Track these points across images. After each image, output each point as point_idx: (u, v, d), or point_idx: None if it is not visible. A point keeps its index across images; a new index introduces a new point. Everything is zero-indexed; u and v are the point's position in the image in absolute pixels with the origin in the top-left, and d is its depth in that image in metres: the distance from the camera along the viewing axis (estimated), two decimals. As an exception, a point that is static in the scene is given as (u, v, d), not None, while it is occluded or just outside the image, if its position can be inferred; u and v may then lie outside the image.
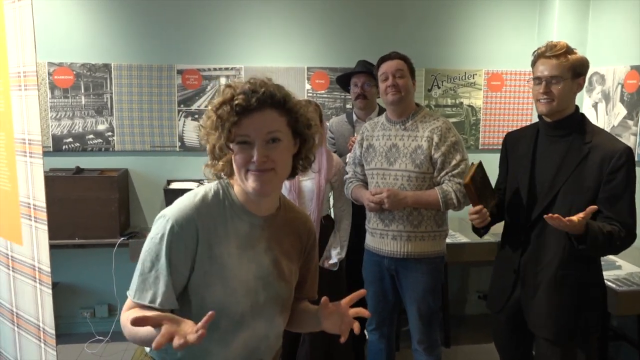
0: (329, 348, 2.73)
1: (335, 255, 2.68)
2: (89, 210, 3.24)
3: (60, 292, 3.59)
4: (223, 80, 3.63)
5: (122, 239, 3.30)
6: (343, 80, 3.14)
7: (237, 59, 3.63)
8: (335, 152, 2.99)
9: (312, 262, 1.40)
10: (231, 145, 1.15)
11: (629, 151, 1.83)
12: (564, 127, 1.93)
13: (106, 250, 3.39)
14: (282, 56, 3.65)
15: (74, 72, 3.51)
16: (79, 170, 3.44)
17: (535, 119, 3.78)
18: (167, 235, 1.15)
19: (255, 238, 1.23)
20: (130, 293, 1.19)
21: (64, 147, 3.55)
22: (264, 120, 1.13)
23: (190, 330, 0.96)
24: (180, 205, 1.18)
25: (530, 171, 1.97)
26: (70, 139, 3.55)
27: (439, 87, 3.80)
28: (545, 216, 1.74)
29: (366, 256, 2.57)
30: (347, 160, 2.71)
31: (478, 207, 1.98)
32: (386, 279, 2.48)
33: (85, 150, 3.58)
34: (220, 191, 1.22)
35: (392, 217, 2.37)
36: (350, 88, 3.09)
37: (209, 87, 3.62)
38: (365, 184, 2.56)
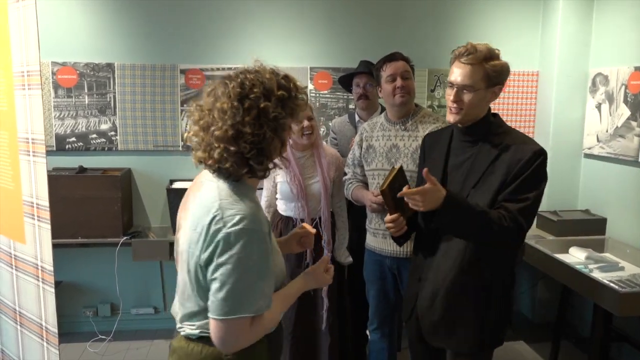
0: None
1: (346, 256, 2.69)
2: (92, 210, 3.25)
3: (63, 291, 3.60)
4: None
5: (125, 238, 3.31)
6: (345, 81, 3.14)
7: (240, 58, 3.63)
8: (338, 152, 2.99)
9: None
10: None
11: (539, 153, 1.71)
12: (474, 132, 1.82)
13: (109, 249, 3.40)
14: (285, 56, 3.66)
15: (78, 72, 3.52)
16: (82, 170, 3.45)
17: (539, 121, 3.79)
18: (263, 242, 1.27)
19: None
20: (245, 307, 1.25)
21: (67, 146, 3.57)
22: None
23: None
24: (250, 210, 1.27)
25: (442, 177, 1.86)
26: (73, 139, 3.57)
27: (442, 88, 3.80)
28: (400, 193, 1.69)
29: (367, 256, 2.57)
30: (347, 161, 2.71)
31: (394, 216, 1.84)
32: (388, 278, 2.49)
33: (89, 150, 3.59)
34: (233, 184, 1.33)
35: (395, 218, 2.37)
36: (352, 88, 3.09)
37: (211, 87, 3.62)
38: (365, 184, 2.56)
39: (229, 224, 1.23)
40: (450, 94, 1.78)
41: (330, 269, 1.55)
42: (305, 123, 2.56)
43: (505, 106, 3.84)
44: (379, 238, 2.46)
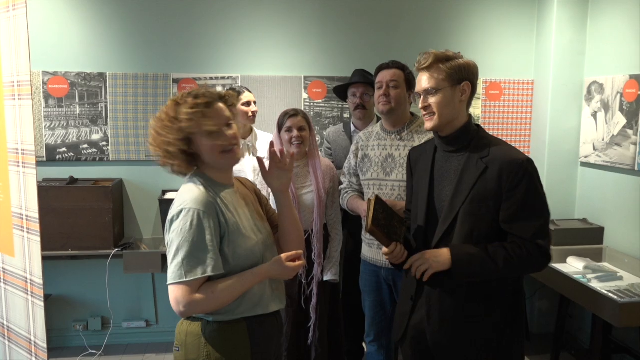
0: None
1: (332, 274, 2.66)
2: (83, 221, 3.24)
3: (53, 304, 3.57)
4: (219, 90, 3.62)
5: (116, 250, 3.29)
6: (340, 91, 3.15)
7: (234, 67, 3.65)
8: (332, 162, 3.00)
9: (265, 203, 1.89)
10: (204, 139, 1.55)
11: (527, 163, 1.70)
12: (456, 141, 1.80)
13: (100, 261, 3.38)
14: (279, 65, 3.67)
15: (69, 82, 3.52)
16: (72, 181, 3.44)
17: (535, 130, 3.82)
18: (200, 218, 1.49)
19: (236, 200, 1.64)
20: (184, 274, 1.47)
21: (57, 157, 3.55)
22: (223, 111, 1.59)
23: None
24: (192, 196, 1.52)
25: (428, 192, 1.84)
26: (64, 149, 3.56)
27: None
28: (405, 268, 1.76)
29: (363, 267, 2.57)
30: (343, 170, 2.71)
31: (391, 248, 1.81)
32: (384, 289, 2.48)
33: (80, 160, 3.58)
34: (199, 179, 1.59)
35: (390, 228, 2.37)
36: (347, 98, 3.10)
37: (205, 97, 3.62)
38: (361, 194, 2.57)
39: (174, 208, 1.52)
40: (419, 104, 1.82)
41: (299, 263, 1.64)
42: (294, 133, 2.56)
43: (500, 115, 3.87)
44: (374, 249, 2.46)
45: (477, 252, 1.69)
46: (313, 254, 2.58)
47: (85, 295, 3.67)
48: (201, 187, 1.56)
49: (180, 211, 1.50)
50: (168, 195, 3.47)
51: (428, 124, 1.81)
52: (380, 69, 2.46)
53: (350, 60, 3.59)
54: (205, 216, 1.50)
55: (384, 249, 1.84)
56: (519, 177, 1.68)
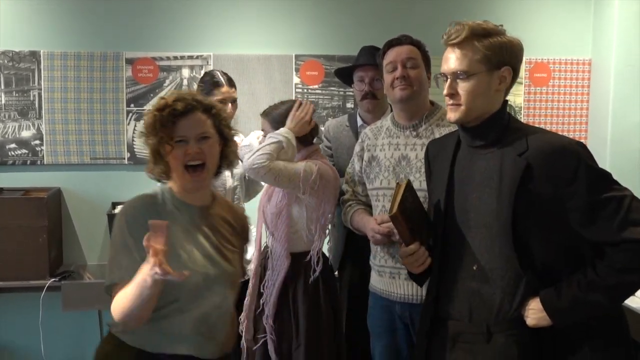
0: None
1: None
2: (9, 243, 3.24)
3: (-30, 351, 3.57)
4: (186, 73, 3.66)
5: (52, 280, 3.29)
6: (345, 74, 3.17)
7: (205, 44, 3.66)
8: (334, 165, 3.01)
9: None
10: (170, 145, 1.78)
11: (578, 146, 1.72)
12: (483, 135, 1.82)
13: (31, 295, 3.37)
14: (262, 41, 3.69)
15: (-8, 63, 3.54)
16: (-4, 190, 3.46)
17: (593, 123, 3.83)
18: (125, 219, 1.81)
19: (196, 224, 1.85)
20: (121, 277, 1.72)
21: (-24, 159, 3.57)
22: (196, 121, 1.80)
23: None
24: (130, 200, 1.87)
25: (445, 201, 1.86)
26: (-15, 150, 3.58)
27: (467, 81, 3.85)
28: None
29: (372, 301, 2.58)
30: (345, 177, 2.72)
31: (413, 247, 1.83)
32: (399, 329, 2.49)
33: (5, 164, 3.59)
34: (159, 190, 1.88)
35: (406, 251, 2.39)
36: (353, 84, 3.11)
37: (167, 81, 3.65)
38: (369, 207, 2.58)
39: None
40: (444, 88, 1.81)
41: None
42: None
43: (549, 103, 3.89)
44: (385, 278, 2.46)
45: (571, 291, 1.69)
46: (264, 284, 2.58)
47: (12, 339, 3.67)
48: (152, 194, 1.86)
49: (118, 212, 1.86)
50: (120, 209, 3.47)
51: (451, 115, 1.82)
52: (390, 45, 2.47)
53: (355, 35, 3.60)
54: (131, 220, 1.79)
55: (402, 249, 1.86)
56: (572, 167, 1.69)
